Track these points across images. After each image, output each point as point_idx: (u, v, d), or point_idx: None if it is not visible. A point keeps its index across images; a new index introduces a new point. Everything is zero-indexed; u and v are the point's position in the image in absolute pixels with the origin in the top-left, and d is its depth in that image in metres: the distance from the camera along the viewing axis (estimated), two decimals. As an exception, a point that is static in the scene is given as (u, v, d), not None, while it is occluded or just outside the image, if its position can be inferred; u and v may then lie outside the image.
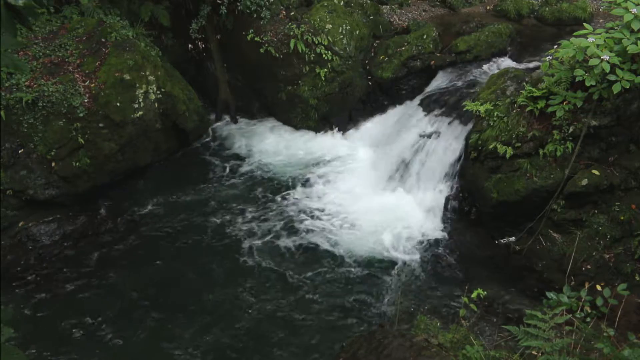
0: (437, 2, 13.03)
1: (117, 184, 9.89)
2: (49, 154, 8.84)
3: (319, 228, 9.37)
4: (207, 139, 11.50)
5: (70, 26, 9.70)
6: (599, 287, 6.87)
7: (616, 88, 6.85)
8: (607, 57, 6.74)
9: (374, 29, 11.83)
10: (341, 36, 11.01)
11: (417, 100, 10.85)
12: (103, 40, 9.50)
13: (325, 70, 10.92)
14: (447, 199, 9.39)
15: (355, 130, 11.54)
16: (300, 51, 10.72)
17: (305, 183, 10.36)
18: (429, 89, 11.10)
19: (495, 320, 7.39)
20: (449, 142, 9.54)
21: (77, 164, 9.07)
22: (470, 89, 10.14)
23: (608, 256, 7.75)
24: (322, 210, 9.72)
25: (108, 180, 9.65)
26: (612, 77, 6.87)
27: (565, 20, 12.02)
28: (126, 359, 7.34)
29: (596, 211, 7.94)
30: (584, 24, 7.63)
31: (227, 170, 10.74)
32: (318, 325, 7.73)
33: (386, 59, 11.28)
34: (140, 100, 9.54)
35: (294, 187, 10.28)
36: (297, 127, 11.64)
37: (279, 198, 10.02)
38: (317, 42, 10.75)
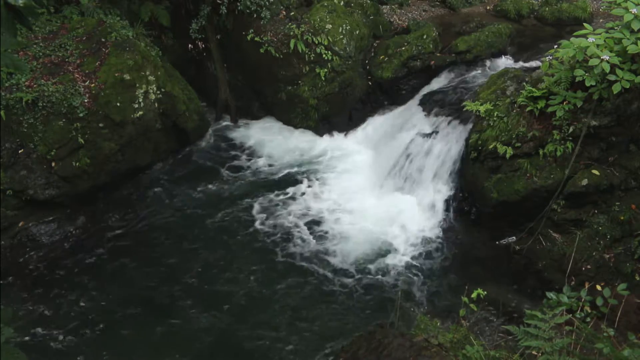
0: (437, 2, 13.03)
1: (117, 184, 9.88)
2: (49, 154, 8.83)
3: (319, 228, 9.37)
4: (207, 139, 11.49)
5: (70, 26, 9.70)
6: (599, 287, 6.88)
7: (616, 88, 6.85)
8: (607, 57, 6.74)
9: (374, 29, 11.83)
10: (341, 36, 11.01)
11: (417, 100, 10.85)
12: (103, 40, 9.50)
13: (325, 70, 10.91)
14: (447, 199, 9.39)
15: (355, 130, 11.54)
16: (300, 51, 10.72)
17: (305, 183, 10.35)
18: (429, 88, 11.10)
19: (495, 320, 7.39)
20: (448, 142, 9.54)
21: (77, 164, 9.06)
22: (470, 89, 10.15)
23: (608, 256, 7.75)
24: (322, 210, 9.72)
25: (108, 180, 9.64)
26: (612, 77, 6.87)
27: (565, 20, 12.03)
28: (127, 357, 7.34)
29: (596, 211, 7.95)
30: (584, 24, 7.63)
31: (227, 170, 10.74)
32: (318, 325, 7.73)
33: (386, 59, 11.28)
34: (140, 100, 9.54)
35: (293, 187, 10.27)
36: (297, 127, 11.63)
37: (278, 198, 10.02)
38: (317, 42, 10.74)
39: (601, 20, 11.65)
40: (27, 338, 7.50)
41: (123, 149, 9.55)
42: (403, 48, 11.20)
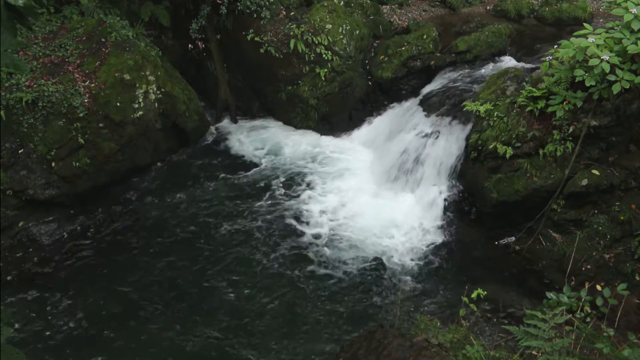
0: (437, 2, 13.03)
1: (117, 184, 9.88)
2: (49, 154, 8.84)
3: (319, 228, 9.37)
4: (207, 139, 11.49)
5: (70, 26, 9.70)
6: (599, 287, 6.89)
7: (616, 88, 6.85)
8: (607, 57, 6.74)
9: (374, 29, 11.83)
10: (341, 36, 11.01)
11: (417, 100, 10.85)
12: (103, 40, 9.50)
13: (325, 70, 10.92)
14: (447, 199, 9.38)
15: (355, 131, 11.53)
16: (300, 51, 10.72)
17: (305, 183, 10.35)
18: (429, 89, 11.09)
19: (495, 320, 7.39)
20: (449, 142, 9.54)
21: (77, 164, 9.07)
22: (470, 89, 10.14)
23: (608, 256, 7.75)
24: (322, 210, 9.71)
25: (108, 180, 9.65)
26: (612, 77, 6.87)
27: (565, 20, 12.03)
28: (125, 358, 7.34)
29: (596, 211, 7.95)
30: (584, 24, 7.63)
31: (227, 170, 10.73)
32: (318, 325, 7.73)
33: (386, 59, 11.29)
34: (140, 100, 9.54)
35: (293, 187, 10.27)
36: (297, 127, 11.63)
37: (278, 198, 10.02)
38: (317, 42, 10.74)
39: (601, 20, 11.65)
40: (26, 338, 7.50)
41: (123, 149, 9.55)
42: (403, 48, 11.20)
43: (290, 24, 10.91)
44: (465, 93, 10.07)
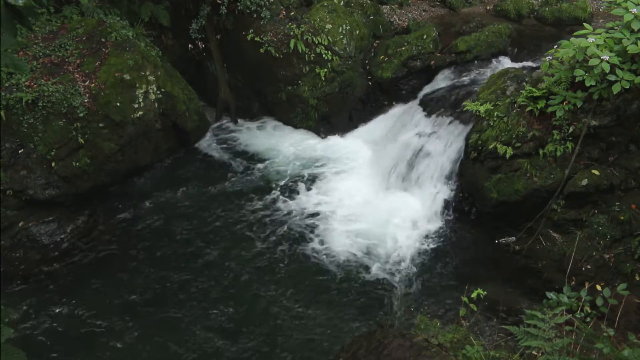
0: (437, 2, 13.04)
1: (117, 184, 9.88)
2: (49, 154, 8.84)
3: (319, 228, 9.37)
4: (207, 139, 11.49)
5: (70, 26, 9.70)
6: (599, 287, 6.87)
7: (616, 88, 6.85)
8: (607, 57, 6.74)
9: (374, 29, 11.83)
10: (341, 36, 11.01)
11: (417, 100, 10.86)
12: (103, 40, 9.50)
13: (325, 70, 10.91)
14: (447, 199, 9.38)
15: (355, 130, 11.54)
16: (300, 51, 10.72)
17: (305, 183, 10.35)
18: (429, 89, 11.10)
19: (495, 320, 7.38)
20: (449, 142, 9.54)
21: (77, 164, 9.07)
22: (470, 89, 10.15)
23: (608, 256, 7.75)
24: (322, 210, 9.72)
25: (108, 180, 9.65)
26: (612, 77, 6.87)
27: (565, 20, 12.05)
28: (124, 357, 7.34)
29: (596, 211, 7.94)
30: (584, 24, 7.63)
31: (227, 170, 10.73)
32: (318, 325, 7.73)
33: (386, 59, 11.29)
34: (140, 100, 9.54)
35: (293, 187, 10.27)
36: (296, 127, 11.63)
37: (278, 198, 10.02)
38: (317, 42, 10.74)
39: (601, 20, 11.66)
40: (26, 338, 7.50)
41: (123, 149, 9.55)
42: (403, 48, 11.20)
43: (290, 24, 10.90)
44: (465, 93, 10.07)
